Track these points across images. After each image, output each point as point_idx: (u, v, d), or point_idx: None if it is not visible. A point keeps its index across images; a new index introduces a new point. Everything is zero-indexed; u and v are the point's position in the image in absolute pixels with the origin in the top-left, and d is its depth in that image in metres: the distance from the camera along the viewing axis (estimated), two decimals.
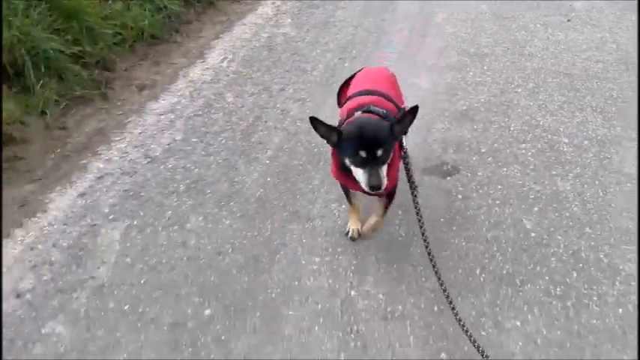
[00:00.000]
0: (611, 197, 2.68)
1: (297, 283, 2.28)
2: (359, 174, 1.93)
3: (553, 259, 2.34)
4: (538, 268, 2.30)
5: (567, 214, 2.58)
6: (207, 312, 2.17)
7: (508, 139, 3.15)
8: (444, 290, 1.93)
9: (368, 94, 2.21)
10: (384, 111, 2.08)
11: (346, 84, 2.50)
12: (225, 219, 2.65)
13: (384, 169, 1.93)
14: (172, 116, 3.50)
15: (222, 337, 2.06)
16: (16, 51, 3.32)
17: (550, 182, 2.79)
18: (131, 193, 2.83)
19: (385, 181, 1.91)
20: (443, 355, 1.96)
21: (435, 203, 2.66)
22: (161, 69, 4.06)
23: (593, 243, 2.41)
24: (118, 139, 3.29)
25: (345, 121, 2.10)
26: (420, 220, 2.06)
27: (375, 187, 1.90)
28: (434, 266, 1.99)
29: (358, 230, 2.42)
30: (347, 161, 1.96)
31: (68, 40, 3.65)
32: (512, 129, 3.24)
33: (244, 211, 2.69)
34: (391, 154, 1.96)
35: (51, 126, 3.32)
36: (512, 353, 1.95)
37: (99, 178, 2.96)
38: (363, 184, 1.93)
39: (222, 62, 4.18)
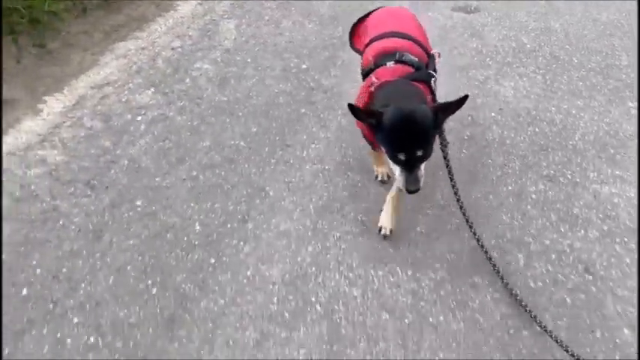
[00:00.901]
0: (587, 32, 3.69)
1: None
2: (396, 171, 1.74)
3: (540, 58, 3.38)
4: (529, 60, 3.34)
5: (554, 38, 3.60)
6: (304, 66, 3.22)
7: None
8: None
9: (396, 37, 2.01)
10: (417, 60, 1.91)
11: (360, 23, 2.33)
12: (307, 24, 3.67)
13: (423, 165, 1.73)
14: None
15: (318, 79, 3.12)
16: None
17: (545, 22, 3.80)
18: (236, 6, 3.85)
19: (422, 181, 1.73)
20: None
21: (460, 28, 3.68)
22: None
23: (569, 52, 3.44)
24: None
25: (371, 71, 1.93)
26: (451, 178, 1.93)
27: (412, 192, 1.73)
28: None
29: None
30: (384, 150, 1.75)
31: None
32: None
33: (320, 21, 3.71)
34: (432, 149, 1.71)
35: None
36: (505, 96, 3.01)
37: None
38: (400, 185, 1.76)
39: None
